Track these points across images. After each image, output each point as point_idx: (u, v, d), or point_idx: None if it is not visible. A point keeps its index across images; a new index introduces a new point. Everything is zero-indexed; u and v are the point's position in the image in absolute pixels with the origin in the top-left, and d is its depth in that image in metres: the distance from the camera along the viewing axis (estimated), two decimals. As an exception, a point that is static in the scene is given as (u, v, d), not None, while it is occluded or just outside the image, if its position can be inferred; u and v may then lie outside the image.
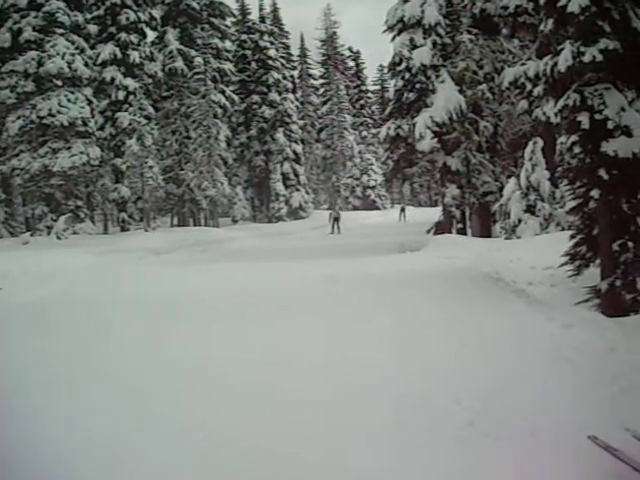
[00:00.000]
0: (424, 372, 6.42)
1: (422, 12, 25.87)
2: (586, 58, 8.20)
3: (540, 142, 18.50)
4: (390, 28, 27.45)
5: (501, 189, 21.96)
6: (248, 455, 4.78)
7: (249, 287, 12.47)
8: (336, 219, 35.33)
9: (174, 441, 5.09)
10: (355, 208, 63.17)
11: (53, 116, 30.47)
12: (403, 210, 47.10)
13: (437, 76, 24.80)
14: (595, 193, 8.56)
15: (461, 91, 23.27)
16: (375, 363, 6.86)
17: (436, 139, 24.25)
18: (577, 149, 8.72)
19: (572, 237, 9.54)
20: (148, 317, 9.85)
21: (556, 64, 8.71)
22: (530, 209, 18.28)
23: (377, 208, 63.69)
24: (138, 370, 6.98)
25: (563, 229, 16.29)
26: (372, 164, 64.92)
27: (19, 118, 30.94)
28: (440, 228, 26.30)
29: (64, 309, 10.83)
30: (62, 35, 31.74)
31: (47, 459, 4.82)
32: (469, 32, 23.92)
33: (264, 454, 4.78)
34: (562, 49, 8.56)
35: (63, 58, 30.91)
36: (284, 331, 8.51)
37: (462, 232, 25.50)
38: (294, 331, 8.51)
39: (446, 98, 23.08)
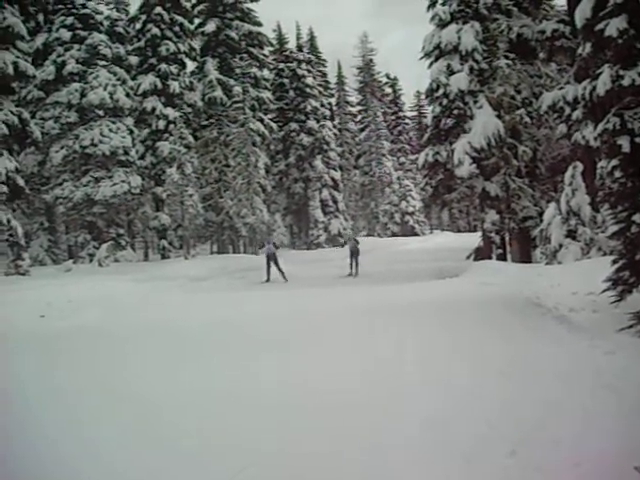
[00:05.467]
0: (462, 399, 6.33)
1: (459, 38, 25.92)
2: (625, 81, 8.14)
3: (580, 166, 18.32)
4: (427, 55, 27.56)
5: (541, 214, 21.76)
6: None
7: (286, 315, 12.50)
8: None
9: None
10: (394, 234, 63.11)
11: (95, 146, 31.07)
12: (354, 254, 25.78)
13: (475, 102, 24.79)
14: (637, 217, 8.44)
15: (499, 116, 23.21)
16: (409, 389, 6.80)
17: (475, 165, 24.16)
18: (618, 173, 8.62)
19: (614, 262, 9.39)
20: (182, 346, 9.92)
21: (595, 88, 8.66)
22: (571, 234, 18.07)
23: (416, 234, 63.57)
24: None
25: (605, 254, 16.06)
26: (410, 190, 64.89)
27: (62, 148, 31.61)
28: (480, 254, 26.11)
29: (106, 336, 10.95)
30: (104, 67, 32.46)
31: None
32: (506, 57, 23.93)
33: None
34: (601, 73, 8.52)
35: (105, 89, 31.57)
36: (317, 358, 8.53)
37: (502, 258, 25.26)
38: (330, 358, 8.49)
39: (484, 123, 23.04)
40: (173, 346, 9.83)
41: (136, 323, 12.40)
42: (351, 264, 25.66)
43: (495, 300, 12.52)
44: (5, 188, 25.35)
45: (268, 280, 23.42)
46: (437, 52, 26.99)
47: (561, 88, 20.43)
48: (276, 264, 23.85)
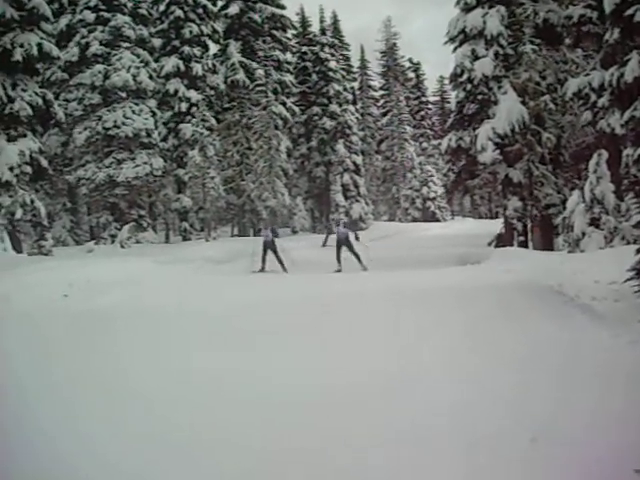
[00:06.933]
0: (480, 387, 6.30)
1: (484, 23, 25.67)
2: (654, 68, 8.03)
3: (605, 154, 18.12)
4: (452, 39, 27.35)
5: (564, 202, 21.59)
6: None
7: (297, 301, 12.49)
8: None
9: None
10: (415, 220, 62.96)
11: (118, 127, 31.22)
12: (342, 244, 20.30)
13: (499, 87, 24.59)
14: (663, 206, 8.35)
15: (523, 102, 23.00)
16: (427, 376, 6.78)
17: (498, 151, 24.00)
18: (644, 161, 8.52)
19: (638, 251, 9.31)
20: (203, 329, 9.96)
21: (622, 75, 8.55)
22: (594, 222, 17.90)
23: (437, 220, 63.40)
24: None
25: (628, 243, 15.92)
26: (432, 176, 64.64)
27: (85, 129, 31.82)
28: (501, 241, 25.97)
29: (124, 318, 11.03)
30: (127, 49, 32.56)
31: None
32: (532, 42, 23.68)
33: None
34: (629, 59, 8.41)
35: (128, 71, 31.68)
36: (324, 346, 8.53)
37: (524, 245, 25.11)
38: (339, 344, 8.49)
39: (508, 109, 22.84)
40: (185, 333, 9.77)
41: (151, 307, 12.41)
42: (338, 257, 20.21)
43: (516, 287, 12.45)
44: (29, 169, 25.59)
45: (263, 269, 20.53)
46: (462, 37, 26.76)
47: (587, 74, 20.19)
48: (275, 253, 20.64)
